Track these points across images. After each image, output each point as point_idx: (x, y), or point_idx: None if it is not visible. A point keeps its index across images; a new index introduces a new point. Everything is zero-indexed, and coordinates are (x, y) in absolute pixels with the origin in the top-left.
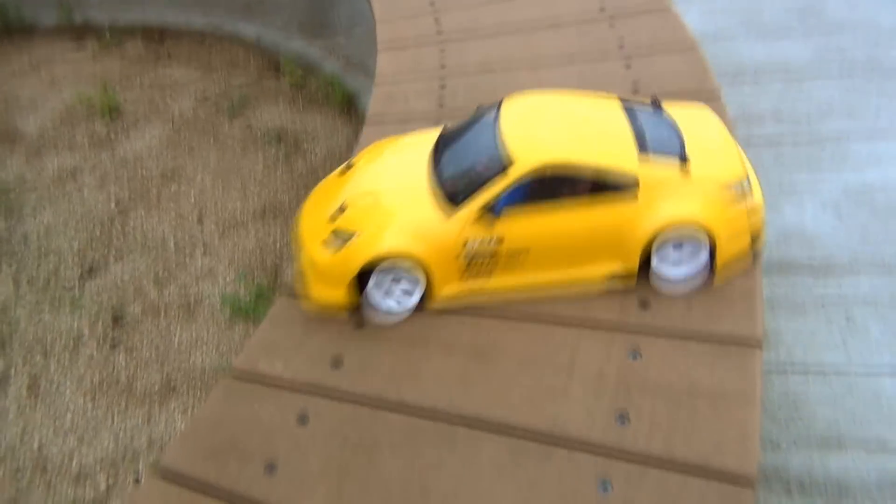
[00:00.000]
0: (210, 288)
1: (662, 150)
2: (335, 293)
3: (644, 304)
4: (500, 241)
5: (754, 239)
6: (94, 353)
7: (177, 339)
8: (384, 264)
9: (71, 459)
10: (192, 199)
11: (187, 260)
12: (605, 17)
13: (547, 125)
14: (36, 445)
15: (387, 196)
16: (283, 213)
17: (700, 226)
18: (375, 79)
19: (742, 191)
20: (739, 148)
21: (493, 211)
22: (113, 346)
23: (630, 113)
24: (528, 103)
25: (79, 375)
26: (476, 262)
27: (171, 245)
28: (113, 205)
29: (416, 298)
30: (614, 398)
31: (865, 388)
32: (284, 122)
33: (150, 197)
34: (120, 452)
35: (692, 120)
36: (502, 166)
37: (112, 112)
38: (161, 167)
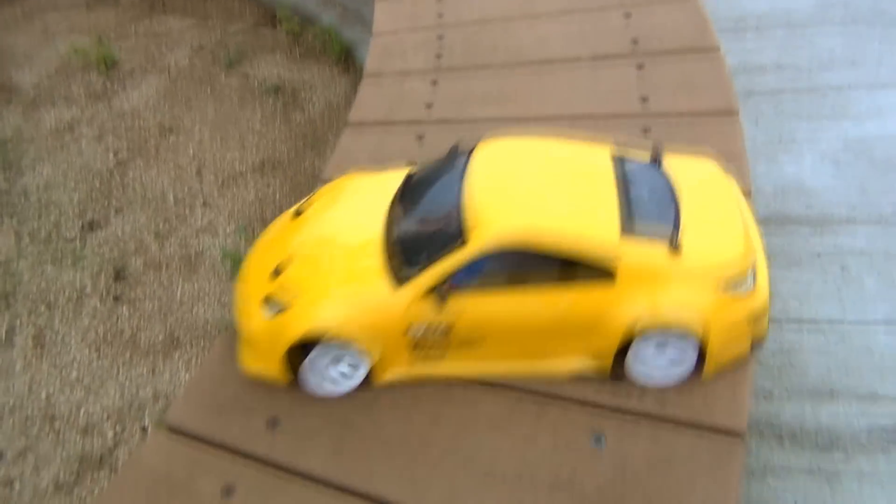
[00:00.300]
0: (210, 241)
1: (651, 228)
2: (268, 365)
3: None
4: (451, 326)
5: (755, 342)
6: (98, 306)
7: (179, 293)
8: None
9: (78, 410)
10: (191, 152)
11: (187, 213)
12: None
13: (518, 185)
14: (44, 396)
15: (330, 257)
16: (282, 165)
17: (687, 327)
18: (373, 29)
19: (744, 287)
20: (749, 220)
21: (441, 293)
22: (116, 300)
23: (621, 172)
24: (503, 153)
25: (83, 328)
26: (425, 345)
27: (171, 198)
28: (111, 157)
29: (359, 377)
30: None
31: (858, 340)
32: (282, 73)
33: (148, 149)
34: (126, 404)
35: (696, 183)
36: (460, 236)
37: (107, 63)
38: (158, 119)
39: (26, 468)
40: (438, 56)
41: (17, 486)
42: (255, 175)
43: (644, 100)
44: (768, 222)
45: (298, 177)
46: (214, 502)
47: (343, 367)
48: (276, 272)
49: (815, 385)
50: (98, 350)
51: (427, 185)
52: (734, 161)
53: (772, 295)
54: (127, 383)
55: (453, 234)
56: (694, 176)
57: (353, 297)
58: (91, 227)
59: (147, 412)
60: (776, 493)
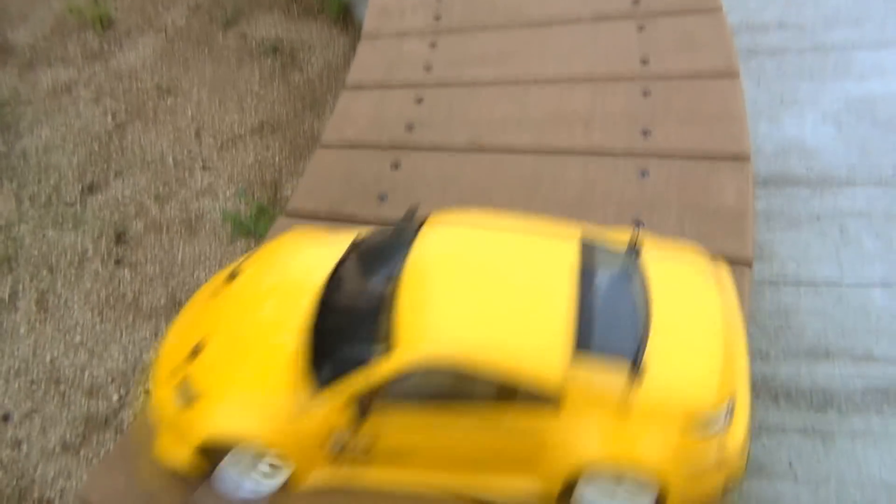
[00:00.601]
0: (210, 204)
1: (611, 345)
2: (180, 455)
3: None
4: (375, 438)
5: (729, 484)
6: (100, 269)
7: (180, 256)
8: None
9: (83, 373)
10: (189, 114)
11: (186, 176)
12: None
13: (458, 285)
14: (48, 359)
15: (249, 341)
16: (281, 127)
17: (643, 473)
18: None
19: (717, 427)
20: (735, 331)
21: (362, 407)
22: (117, 263)
23: (587, 270)
24: (452, 239)
25: (86, 291)
26: (347, 454)
27: (170, 161)
28: (110, 119)
29: (278, 481)
30: None
31: (855, 300)
32: (280, 34)
33: (146, 111)
34: (129, 366)
35: (676, 285)
36: (386, 341)
37: (104, 22)
38: (156, 80)
39: (33, 429)
40: (437, 17)
41: (24, 447)
42: (254, 137)
43: (644, 62)
44: (768, 183)
45: (298, 139)
46: None
47: (263, 468)
48: (195, 351)
49: (811, 346)
50: (101, 313)
51: (366, 264)
52: (734, 123)
53: (748, 437)
54: (130, 346)
55: (380, 337)
56: (675, 275)
57: (267, 399)
58: (91, 190)
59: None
60: (770, 452)
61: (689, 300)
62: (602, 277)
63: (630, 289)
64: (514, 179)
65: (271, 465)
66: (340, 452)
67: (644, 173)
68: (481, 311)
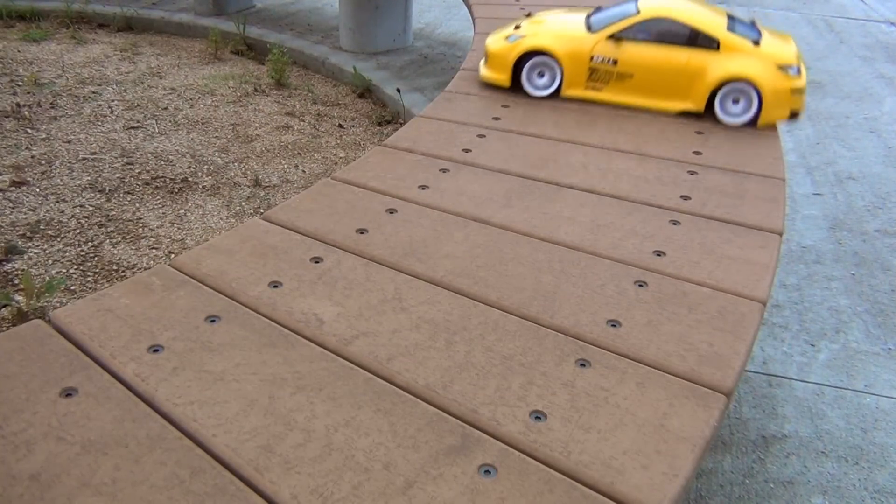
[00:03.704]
0: None
1: (744, 34)
2: (501, 74)
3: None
4: (616, 62)
5: (793, 111)
6: None
7: None
8: (535, 59)
9: None
10: None
11: None
12: None
13: None
14: None
15: (553, 23)
16: None
17: (753, 80)
18: None
19: (792, 71)
20: (800, 58)
21: (616, 38)
22: None
23: (730, 17)
24: None
25: None
26: (597, 74)
27: None
28: None
29: (554, 86)
30: None
31: None
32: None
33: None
34: None
35: (774, 33)
36: (636, 12)
37: None
38: None
39: None
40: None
41: None
42: None
43: None
44: None
45: None
46: None
47: (545, 80)
48: (516, 26)
49: None
50: None
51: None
52: None
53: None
54: None
55: (631, 12)
56: (775, 32)
57: (563, 35)
58: None
59: None
60: None
61: (782, 39)
62: (738, 20)
63: (752, 25)
64: None
65: (550, 78)
66: (593, 73)
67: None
68: (689, 6)
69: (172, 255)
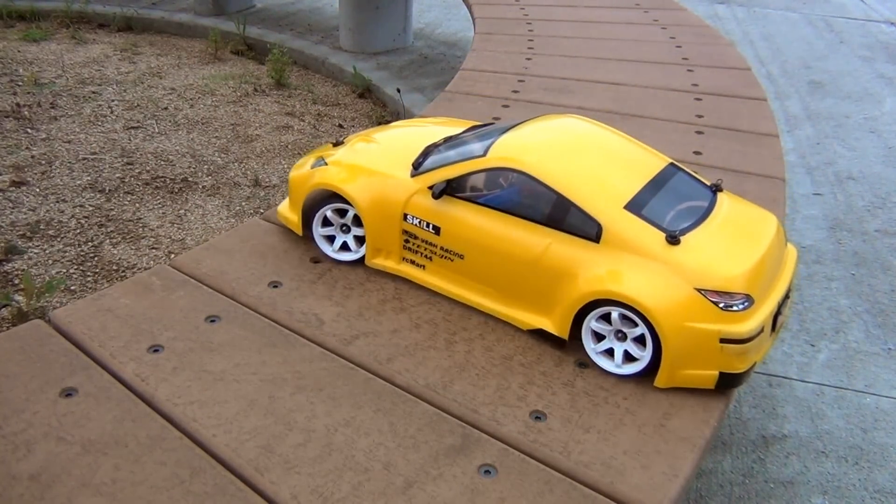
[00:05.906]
0: None
1: (657, 218)
2: (292, 214)
3: None
4: (438, 230)
5: (725, 374)
6: None
7: None
8: (331, 205)
9: None
10: None
11: None
12: None
13: (557, 141)
14: None
15: (376, 149)
16: None
17: (642, 309)
18: None
19: (727, 305)
20: (786, 270)
21: (440, 191)
22: None
23: (665, 173)
24: (561, 121)
25: None
26: (414, 243)
27: None
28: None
29: (359, 252)
30: None
31: None
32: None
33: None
34: None
35: (742, 215)
36: (482, 155)
37: None
38: None
39: None
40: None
41: None
42: None
43: None
44: None
45: None
46: None
47: (356, 232)
48: (333, 147)
49: None
50: None
51: (480, 129)
52: None
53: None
54: None
55: (476, 154)
56: (742, 212)
57: (374, 173)
58: None
59: None
60: None
61: (745, 228)
62: (678, 181)
63: (698, 196)
64: None
65: (355, 238)
66: (408, 241)
67: None
68: (565, 153)
69: (172, 255)
